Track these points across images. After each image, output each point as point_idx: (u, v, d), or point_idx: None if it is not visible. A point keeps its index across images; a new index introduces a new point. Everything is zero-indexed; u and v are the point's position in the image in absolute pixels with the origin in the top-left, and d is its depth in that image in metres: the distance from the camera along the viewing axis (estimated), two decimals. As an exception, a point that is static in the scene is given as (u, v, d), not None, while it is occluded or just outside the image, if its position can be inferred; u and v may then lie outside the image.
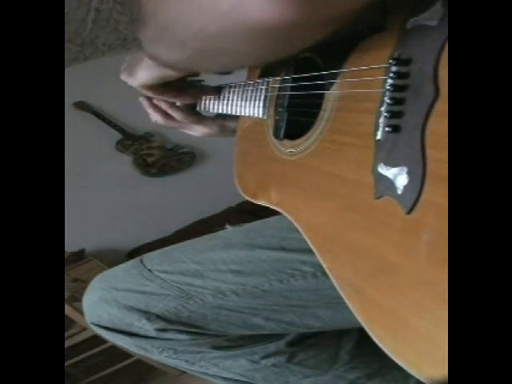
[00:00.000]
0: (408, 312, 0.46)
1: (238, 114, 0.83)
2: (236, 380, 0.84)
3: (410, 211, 0.47)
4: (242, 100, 0.81)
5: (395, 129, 0.50)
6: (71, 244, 1.78)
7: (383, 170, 0.50)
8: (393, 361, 0.90)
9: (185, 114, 0.88)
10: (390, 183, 0.49)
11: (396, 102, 0.50)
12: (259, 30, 0.43)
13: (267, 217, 0.82)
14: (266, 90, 0.75)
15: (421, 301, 0.45)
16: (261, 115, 0.76)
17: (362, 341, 0.86)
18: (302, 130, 0.66)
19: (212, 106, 0.88)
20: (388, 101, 0.51)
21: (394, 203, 0.48)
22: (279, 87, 0.73)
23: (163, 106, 0.88)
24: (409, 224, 0.47)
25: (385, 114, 0.51)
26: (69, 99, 2.22)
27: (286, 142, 0.69)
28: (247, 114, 0.79)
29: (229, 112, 0.84)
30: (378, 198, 0.51)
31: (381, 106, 0.52)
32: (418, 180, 0.46)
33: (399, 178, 0.48)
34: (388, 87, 0.51)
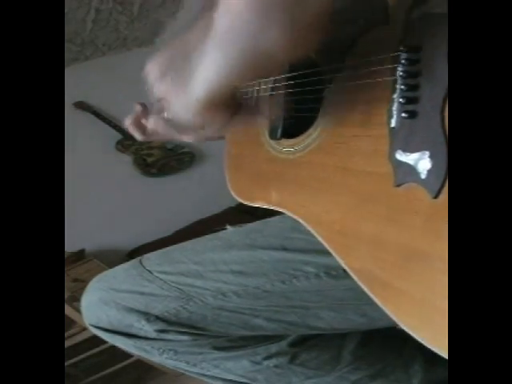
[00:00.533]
0: (441, 297, 0.45)
1: None
2: (237, 381, 0.84)
3: (437, 195, 0.46)
4: None
5: (412, 114, 0.50)
6: (71, 244, 1.78)
7: (402, 156, 0.50)
8: (396, 361, 0.90)
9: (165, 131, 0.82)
10: (410, 169, 0.49)
11: (410, 87, 0.50)
12: None
13: (267, 217, 0.81)
14: (258, 91, 0.75)
15: None
16: None
17: (364, 341, 0.85)
18: (300, 128, 0.66)
19: None
20: (402, 87, 0.51)
21: (418, 189, 0.48)
22: (272, 87, 0.73)
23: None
24: (436, 208, 0.47)
25: (400, 100, 0.51)
26: (69, 99, 2.22)
27: (284, 141, 0.69)
28: None
29: None
30: (399, 186, 0.51)
31: (393, 93, 0.52)
32: (443, 163, 0.46)
33: (421, 162, 0.48)
34: (401, 74, 0.51)
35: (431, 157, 0.48)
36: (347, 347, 0.85)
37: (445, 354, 0.44)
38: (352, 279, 0.55)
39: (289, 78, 0.70)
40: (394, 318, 0.49)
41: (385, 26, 0.55)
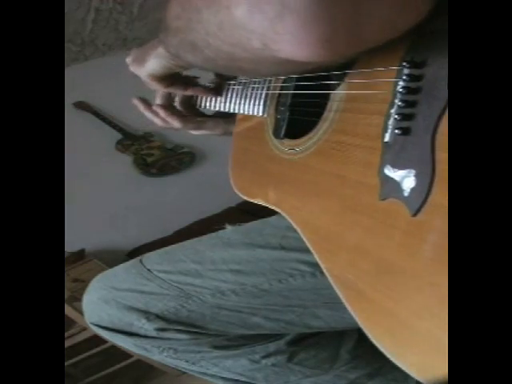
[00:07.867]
0: (409, 313, 0.46)
1: (237, 112, 0.83)
2: (236, 380, 0.84)
3: (416, 213, 0.47)
4: (241, 98, 0.81)
5: (405, 131, 0.50)
6: (71, 244, 1.78)
7: (390, 172, 0.50)
8: (393, 360, 0.90)
9: (183, 122, 0.88)
10: (396, 185, 0.49)
11: (408, 104, 0.50)
12: (285, 61, 0.45)
13: (267, 217, 0.82)
14: (268, 88, 0.76)
15: (425, 303, 0.45)
16: (261, 113, 0.76)
17: (362, 340, 0.85)
18: (304, 129, 0.66)
19: (211, 103, 0.88)
20: (399, 103, 0.50)
21: (400, 205, 0.49)
22: (281, 86, 0.73)
23: (161, 113, 0.87)
24: (414, 226, 0.47)
25: (395, 117, 0.51)
26: (69, 99, 2.22)
27: (287, 141, 0.70)
28: (247, 112, 0.79)
29: (227, 110, 0.84)
30: (383, 200, 0.51)
31: (391, 107, 0.52)
32: (426, 182, 0.46)
33: (406, 180, 0.48)
34: (400, 90, 0.51)
35: (416, 176, 0.47)
36: (345, 346, 0.85)
37: (406, 369, 0.45)
38: None
39: (299, 79, 0.70)
40: (362, 327, 0.50)
41: None
